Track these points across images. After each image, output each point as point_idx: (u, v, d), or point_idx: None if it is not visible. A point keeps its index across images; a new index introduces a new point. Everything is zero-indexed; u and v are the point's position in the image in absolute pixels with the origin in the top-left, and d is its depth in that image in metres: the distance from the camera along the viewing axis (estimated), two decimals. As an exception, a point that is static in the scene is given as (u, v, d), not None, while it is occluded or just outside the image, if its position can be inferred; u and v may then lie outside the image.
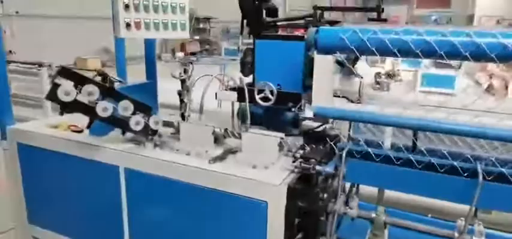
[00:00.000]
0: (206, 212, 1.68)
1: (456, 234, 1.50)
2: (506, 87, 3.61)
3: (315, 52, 1.62)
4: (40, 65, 5.07)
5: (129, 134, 1.92)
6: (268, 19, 2.00)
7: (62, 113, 1.71)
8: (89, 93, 1.68)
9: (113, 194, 1.89)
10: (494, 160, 1.44)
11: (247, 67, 2.15)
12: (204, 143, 1.87)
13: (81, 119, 2.03)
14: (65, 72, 1.65)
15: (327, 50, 1.60)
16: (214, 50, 17.74)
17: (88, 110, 1.71)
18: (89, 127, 1.83)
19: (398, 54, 1.45)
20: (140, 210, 1.87)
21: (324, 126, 1.92)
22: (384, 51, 1.48)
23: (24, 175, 2.18)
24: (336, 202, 1.59)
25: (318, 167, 1.43)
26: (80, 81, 1.68)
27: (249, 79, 2.12)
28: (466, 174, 1.42)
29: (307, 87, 1.90)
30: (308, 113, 1.61)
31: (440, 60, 1.79)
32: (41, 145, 2.05)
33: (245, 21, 2.09)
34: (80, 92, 1.67)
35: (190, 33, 1.96)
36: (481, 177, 1.38)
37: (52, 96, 1.61)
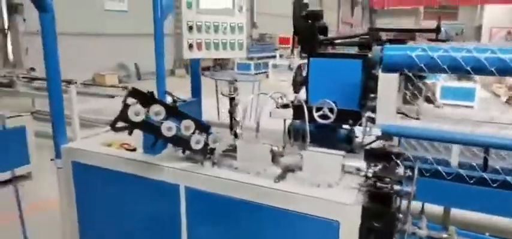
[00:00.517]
0: (273, 232, 1.68)
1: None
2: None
3: (380, 70, 1.63)
4: (69, 82, 5.15)
5: (184, 152, 1.94)
6: (322, 37, 2.02)
7: (130, 133, 1.74)
8: (156, 114, 1.70)
9: (173, 213, 1.90)
10: None
11: (297, 84, 2.17)
12: (262, 161, 1.87)
13: (129, 137, 2.08)
14: (134, 92, 1.68)
15: (392, 68, 1.60)
16: (226, 65, 17.99)
17: (154, 130, 1.73)
18: (153, 145, 1.85)
19: (471, 71, 1.46)
20: (201, 230, 1.87)
21: (382, 143, 1.92)
22: (455, 69, 1.48)
23: (78, 194, 2.20)
24: (406, 222, 1.57)
25: (396, 187, 1.42)
26: (146, 101, 1.70)
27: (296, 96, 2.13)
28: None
29: (363, 105, 1.91)
30: (375, 131, 1.61)
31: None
32: (97, 163, 2.08)
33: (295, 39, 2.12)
34: (148, 112, 1.69)
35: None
36: None
37: (123, 116, 1.63)
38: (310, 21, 2.02)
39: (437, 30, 1.92)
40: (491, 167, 1.53)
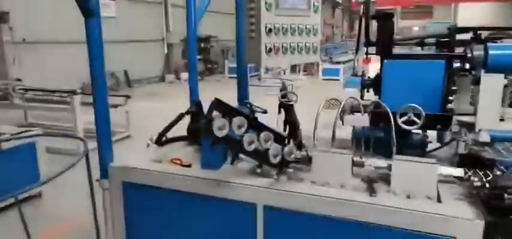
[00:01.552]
0: (374, 252, 1.52)
1: None
2: None
3: (483, 71, 1.51)
4: (73, 92, 4.83)
5: (261, 167, 1.76)
6: (398, 37, 1.89)
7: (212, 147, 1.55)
8: (239, 127, 1.52)
9: (247, 235, 1.71)
10: None
11: (365, 88, 2.04)
12: (342, 172, 1.72)
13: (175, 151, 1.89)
14: (217, 104, 1.49)
15: (498, 69, 1.49)
16: (216, 69, 17.75)
17: (235, 144, 1.55)
18: (233, 161, 1.66)
19: None
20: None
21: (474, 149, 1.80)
22: None
23: (129, 217, 1.98)
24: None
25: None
26: (226, 112, 1.52)
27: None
28: None
29: (445, 110, 1.80)
30: (484, 137, 1.48)
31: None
32: (155, 183, 1.87)
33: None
34: (231, 124, 1.51)
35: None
36: None
37: (208, 131, 1.44)
38: (382, 21, 1.90)
39: None
40: None
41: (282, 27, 1.65)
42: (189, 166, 1.96)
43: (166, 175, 1.86)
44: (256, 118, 1.70)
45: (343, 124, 1.94)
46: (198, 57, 16.14)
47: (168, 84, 14.40)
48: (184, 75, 13.43)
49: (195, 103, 2.25)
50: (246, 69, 1.96)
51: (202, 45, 16.92)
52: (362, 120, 1.90)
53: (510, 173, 1.50)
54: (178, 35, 15.04)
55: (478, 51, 1.51)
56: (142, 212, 1.97)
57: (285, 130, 2.09)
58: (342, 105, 1.91)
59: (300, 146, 2.01)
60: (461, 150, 1.74)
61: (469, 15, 24.09)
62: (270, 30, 1.60)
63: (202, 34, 16.41)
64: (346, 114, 1.97)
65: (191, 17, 2.53)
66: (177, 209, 1.88)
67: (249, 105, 1.93)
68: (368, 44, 1.99)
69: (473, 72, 1.57)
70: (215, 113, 1.49)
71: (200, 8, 2.71)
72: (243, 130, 1.55)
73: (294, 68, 14.39)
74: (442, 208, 1.44)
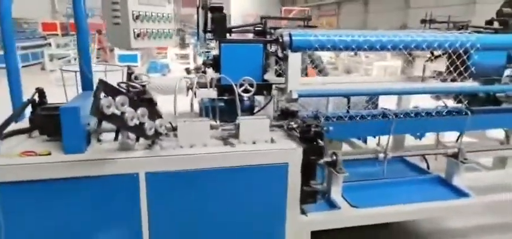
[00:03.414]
0: (236, 189, 2.03)
1: None
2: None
3: (289, 51, 2.25)
4: None
5: (138, 140, 1.96)
6: (229, 26, 2.43)
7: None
8: (122, 104, 1.69)
9: (131, 204, 1.90)
10: None
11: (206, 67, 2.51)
12: (203, 135, 2.15)
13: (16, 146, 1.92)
14: (102, 84, 1.59)
15: (299, 49, 2.26)
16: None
17: (119, 120, 1.70)
18: (116, 137, 1.77)
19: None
20: (163, 212, 1.97)
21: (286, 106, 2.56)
22: (334, 47, 2.29)
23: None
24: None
25: (323, 128, 2.10)
26: (112, 92, 1.65)
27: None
28: None
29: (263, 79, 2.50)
30: (293, 95, 2.24)
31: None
32: (24, 177, 1.74)
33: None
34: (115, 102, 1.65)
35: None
36: None
37: (97, 110, 1.54)
38: (216, 12, 2.39)
39: (308, 18, 2.72)
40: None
41: (146, 15, 1.88)
42: (48, 154, 1.90)
43: (40, 165, 1.76)
44: (132, 96, 1.86)
45: (195, 96, 2.35)
46: None
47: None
48: None
49: (38, 91, 2.12)
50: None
51: None
52: (210, 93, 2.37)
53: (309, 117, 2.33)
54: None
55: (286, 37, 2.24)
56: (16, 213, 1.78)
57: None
58: (195, 82, 2.31)
59: (160, 119, 2.30)
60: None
61: (239, 5, 28.36)
62: (137, 17, 1.80)
63: None
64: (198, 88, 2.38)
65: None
66: (55, 198, 1.82)
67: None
68: (206, 31, 2.45)
69: (283, 52, 2.29)
70: (102, 93, 1.60)
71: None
72: (125, 107, 1.72)
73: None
74: (277, 145, 2.11)
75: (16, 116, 1.98)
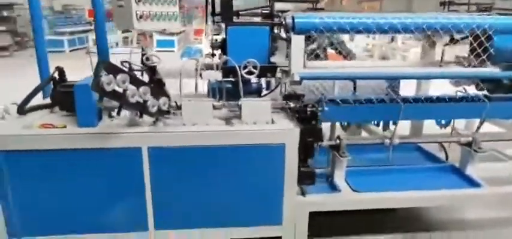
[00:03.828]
0: (236, 167, 2.12)
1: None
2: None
3: (292, 33, 2.26)
4: None
5: (142, 116, 2.09)
6: (237, 9, 2.48)
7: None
8: (123, 82, 1.81)
9: (136, 176, 2.05)
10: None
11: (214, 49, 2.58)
12: (206, 115, 2.24)
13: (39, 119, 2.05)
14: (103, 63, 1.72)
15: (302, 32, 2.27)
16: (27, 42, 15.09)
17: (120, 97, 1.83)
18: (119, 113, 1.92)
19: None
20: (166, 186, 2.10)
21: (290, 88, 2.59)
22: (342, 29, 2.27)
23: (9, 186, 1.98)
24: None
25: (318, 108, 2.11)
26: (111, 70, 1.79)
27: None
28: None
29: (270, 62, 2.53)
30: (295, 77, 2.26)
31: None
32: (35, 147, 1.94)
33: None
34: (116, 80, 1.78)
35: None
36: None
37: (97, 86, 1.68)
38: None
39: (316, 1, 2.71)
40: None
41: (148, -4, 1.98)
42: (64, 127, 2.09)
43: (50, 137, 1.96)
44: (135, 75, 1.99)
45: (201, 77, 2.44)
46: (2, 28, 13.40)
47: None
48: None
49: (58, 69, 2.31)
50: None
51: (5, 13, 14.09)
52: (216, 74, 2.45)
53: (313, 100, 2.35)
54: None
55: (289, 19, 2.25)
56: (28, 180, 2.00)
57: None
58: (199, 65, 2.41)
59: (168, 98, 2.43)
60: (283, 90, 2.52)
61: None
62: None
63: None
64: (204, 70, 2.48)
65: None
66: (67, 169, 2.01)
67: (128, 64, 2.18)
68: (214, 14, 2.52)
69: (287, 34, 2.31)
70: (103, 71, 1.73)
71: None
72: (126, 84, 1.85)
73: (126, 41, 13.86)
74: (275, 126, 2.15)
75: (37, 91, 2.19)
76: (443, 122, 2.64)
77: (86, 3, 18.78)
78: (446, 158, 2.97)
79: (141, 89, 1.96)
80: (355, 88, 2.56)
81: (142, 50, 2.53)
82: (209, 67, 2.50)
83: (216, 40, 2.58)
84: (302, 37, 2.29)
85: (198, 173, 2.12)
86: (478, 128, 2.67)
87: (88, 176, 2.04)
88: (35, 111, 2.32)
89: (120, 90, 1.84)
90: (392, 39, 10.35)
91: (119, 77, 1.80)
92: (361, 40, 10.88)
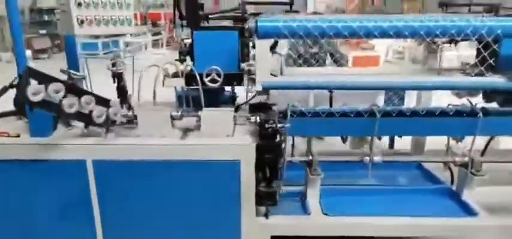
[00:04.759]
0: (186, 183, 1.95)
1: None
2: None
3: (256, 38, 2.06)
4: None
5: (87, 127, 1.99)
6: (203, 13, 2.32)
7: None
8: (56, 91, 1.71)
9: (82, 190, 1.95)
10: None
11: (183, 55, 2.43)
12: (163, 126, 2.09)
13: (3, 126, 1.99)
14: (30, 72, 1.63)
15: (267, 36, 2.05)
16: (66, 45, 15.92)
17: (54, 107, 1.73)
18: (55, 126, 1.83)
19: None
20: (113, 200, 1.98)
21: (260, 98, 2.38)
22: (308, 34, 2.03)
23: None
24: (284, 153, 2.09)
25: (279, 125, 1.89)
26: (44, 80, 1.69)
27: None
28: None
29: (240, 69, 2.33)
30: (258, 87, 2.05)
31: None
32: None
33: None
34: (47, 90, 1.68)
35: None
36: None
37: (23, 97, 1.59)
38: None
39: (291, 3, 2.48)
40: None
41: (92, 2, 1.87)
42: (17, 136, 2.03)
43: (7, 146, 1.92)
44: (73, 84, 1.89)
45: (163, 85, 2.30)
46: (42, 32, 14.22)
47: (5, 64, 12.39)
48: (27, 53, 11.71)
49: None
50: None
51: (46, 17, 14.97)
52: (179, 82, 2.30)
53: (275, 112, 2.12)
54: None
55: (252, 23, 2.05)
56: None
57: (118, 96, 2.33)
58: (162, 71, 2.27)
59: (129, 108, 2.31)
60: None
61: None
62: (80, 4, 1.80)
63: (44, 5, 14.52)
64: (167, 78, 2.33)
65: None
66: (10, 179, 1.95)
67: (67, 73, 2.09)
68: (181, 18, 2.37)
69: (250, 39, 2.11)
70: (32, 81, 1.64)
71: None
72: (61, 94, 1.74)
73: (156, 43, 14.17)
74: (230, 140, 1.96)
75: None
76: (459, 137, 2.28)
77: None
78: (452, 179, 2.60)
79: (83, 98, 1.85)
80: (331, 98, 2.29)
81: (114, 56, 2.43)
82: (175, 75, 2.35)
83: (186, 45, 2.43)
84: (267, 42, 2.08)
85: (146, 189, 1.98)
86: (478, 147, 2.29)
87: (36, 189, 1.97)
88: (2, 117, 2.30)
89: (56, 101, 1.74)
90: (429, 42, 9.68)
91: (51, 86, 1.70)
92: (395, 43, 10.43)
